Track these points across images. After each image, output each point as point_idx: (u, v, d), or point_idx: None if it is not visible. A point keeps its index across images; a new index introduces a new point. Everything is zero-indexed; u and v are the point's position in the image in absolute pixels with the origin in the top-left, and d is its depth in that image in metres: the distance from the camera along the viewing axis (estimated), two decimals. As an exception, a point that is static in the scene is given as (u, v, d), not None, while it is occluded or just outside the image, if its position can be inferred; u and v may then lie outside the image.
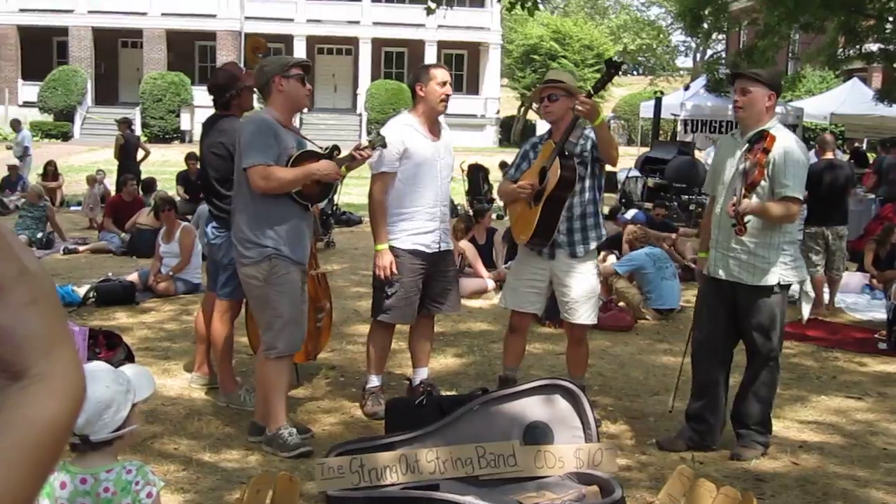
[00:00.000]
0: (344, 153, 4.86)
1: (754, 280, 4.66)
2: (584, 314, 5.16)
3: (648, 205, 14.35)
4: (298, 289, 4.70)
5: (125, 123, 16.85)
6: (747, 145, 4.59)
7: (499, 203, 11.76)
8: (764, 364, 4.83)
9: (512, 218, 5.44)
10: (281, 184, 4.54)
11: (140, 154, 16.37)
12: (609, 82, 5.07)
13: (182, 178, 15.30)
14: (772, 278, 4.64)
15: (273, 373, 4.73)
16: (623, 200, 15.99)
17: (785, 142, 4.59)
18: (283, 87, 4.67)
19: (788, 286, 4.82)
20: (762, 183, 4.55)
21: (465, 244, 9.72)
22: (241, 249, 4.66)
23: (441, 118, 5.47)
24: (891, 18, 17.00)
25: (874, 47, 18.38)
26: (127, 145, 16.20)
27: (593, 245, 5.16)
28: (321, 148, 4.88)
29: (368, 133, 5.12)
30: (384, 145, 4.91)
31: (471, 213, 10.75)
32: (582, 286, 5.13)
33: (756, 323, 4.74)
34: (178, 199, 13.11)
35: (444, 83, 5.21)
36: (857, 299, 9.85)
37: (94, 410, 2.52)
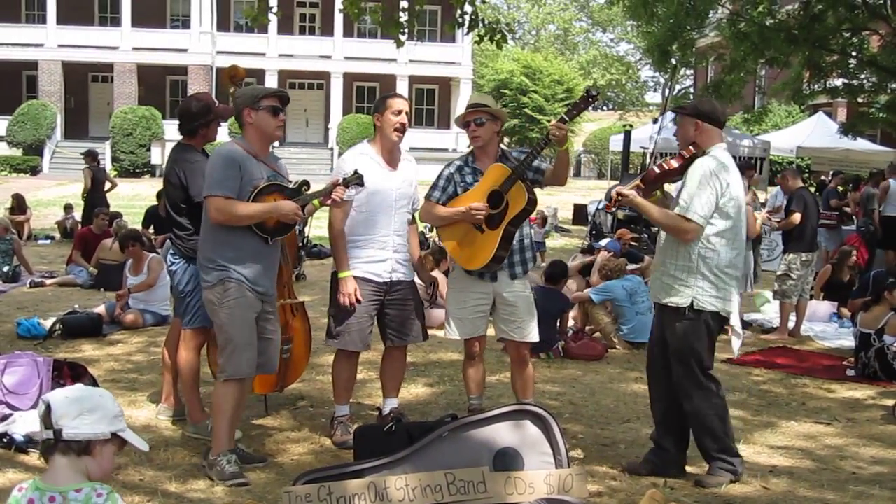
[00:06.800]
0: (315, 188, 4.85)
1: (668, 298, 4.69)
2: (532, 331, 5.27)
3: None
4: (252, 313, 4.68)
5: (91, 156, 16.54)
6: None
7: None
8: (682, 392, 4.72)
9: (452, 244, 5.25)
10: (235, 217, 4.59)
11: (106, 185, 16.19)
12: (584, 110, 5.10)
13: (151, 216, 14.51)
14: (683, 300, 4.62)
15: (220, 396, 4.72)
16: (594, 232, 16.08)
17: (704, 165, 4.61)
18: (252, 118, 4.71)
19: (701, 312, 4.62)
20: (679, 200, 4.59)
21: (437, 275, 9.70)
22: (202, 273, 4.75)
23: (407, 151, 5.46)
24: (854, 54, 17.35)
25: (838, 82, 18.75)
26: (95, 178, 15.97)
27: (530, 266, 5.34)
28: (291, 182, 4.88)
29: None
30: (361, 184, 4.91)
31: (441, 245, 10.72)
32: (526, 304, 5.27)
33: (672, 347, 4.73)
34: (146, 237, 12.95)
35: (400, 112, 5.19)
36: (825, 327, 9.95)
37: (80, 405, 2.56)
